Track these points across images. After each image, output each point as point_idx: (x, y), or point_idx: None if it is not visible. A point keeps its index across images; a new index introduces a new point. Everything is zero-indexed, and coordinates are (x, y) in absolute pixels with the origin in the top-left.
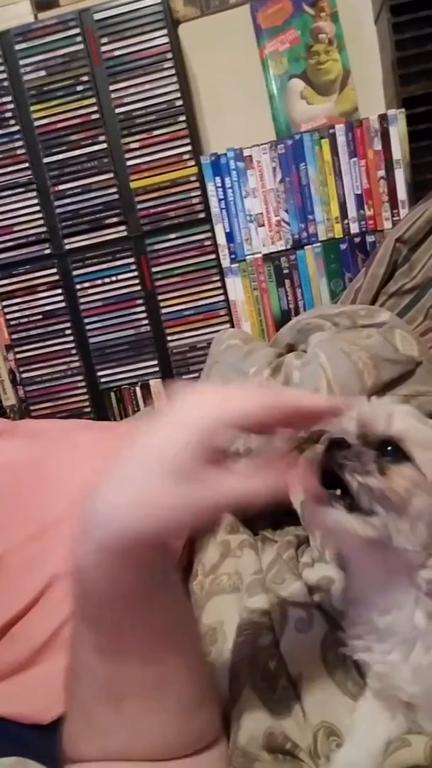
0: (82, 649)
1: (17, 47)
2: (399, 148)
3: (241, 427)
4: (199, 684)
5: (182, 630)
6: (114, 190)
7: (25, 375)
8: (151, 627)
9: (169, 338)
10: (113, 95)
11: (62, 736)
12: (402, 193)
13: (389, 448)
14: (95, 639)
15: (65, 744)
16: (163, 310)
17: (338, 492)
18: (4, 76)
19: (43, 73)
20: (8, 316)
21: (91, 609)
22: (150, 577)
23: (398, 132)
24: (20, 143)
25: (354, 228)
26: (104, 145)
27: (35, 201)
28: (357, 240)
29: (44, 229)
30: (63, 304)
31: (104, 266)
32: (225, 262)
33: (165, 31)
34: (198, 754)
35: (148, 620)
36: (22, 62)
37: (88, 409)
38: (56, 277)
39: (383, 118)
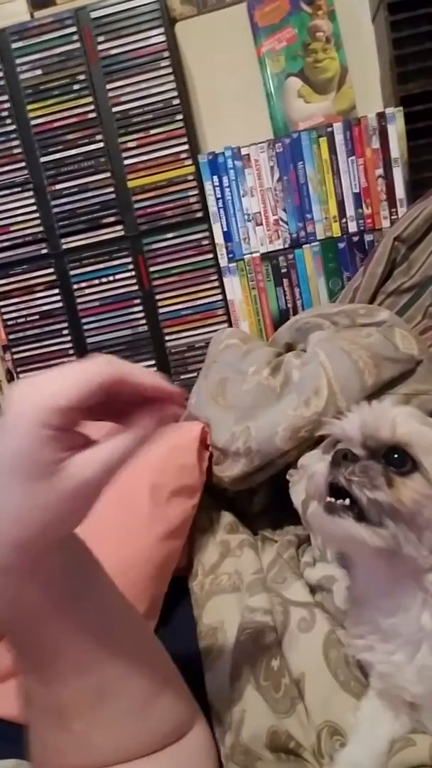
0: (22, 675)
1: (13, 46)
2: (397, 147)
3: (74, 405)
4: (148, 681)
5: (116, 634)
6: (111, 189)
7: (22, 375)
8: (73, 641)
9: (166, 338)
10: (110, 94)
11: (30, 760)
12: (400, 191)
13: (395, 455)
14: (25, 663)
15: (34, 766)
16: (161, 310)
17: (347, 502)
18: (0, 75)
19: (39, 71)
20: (5, 317)
21: (10, 634)
22: (58, 589)
23: (396, 130)
24: (16, 142)
25: (352, 227)
26: (101, 145)
27: (32, 200)
28: (355, 239)
29: (41, 228)
30: (60, 304)
31: (101, 266)
32: (223, 261)
33: (162, 30)
34: (168, 747)
35: (69, 634)
36: (18, 61)
37: None
38: (53, 277)
39: (381, 117)
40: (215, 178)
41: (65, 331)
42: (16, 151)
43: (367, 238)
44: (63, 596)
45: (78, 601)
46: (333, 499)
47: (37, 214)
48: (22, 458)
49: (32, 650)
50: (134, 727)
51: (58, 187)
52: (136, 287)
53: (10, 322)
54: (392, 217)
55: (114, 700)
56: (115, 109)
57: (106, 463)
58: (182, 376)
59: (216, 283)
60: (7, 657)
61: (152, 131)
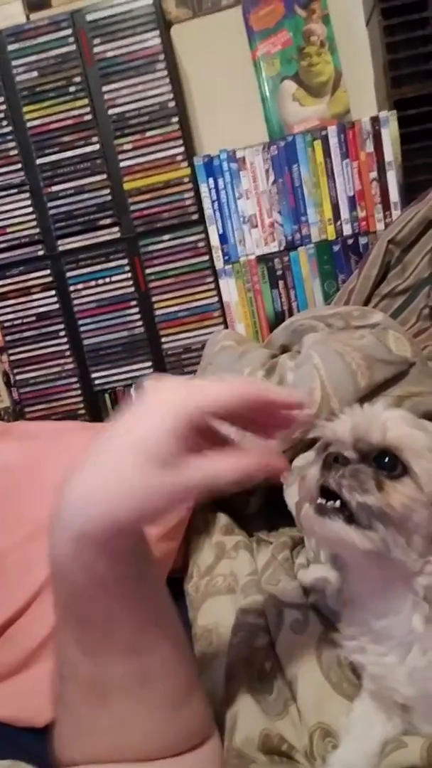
0: (66, 645)
1: (9, 48)
2: (391, 150)
3: (216, 414)
4: (185, 677)
5: (163, 622)
6: (107, 191)
7: (19, 377)
8: (131, 618)
9: (163, 339)
10: (106, 96)
11: (53, 742)
12: (394, 194)
13: (386, 459)
14: (77, 632)
15: (56, 749)
16: (157, 312)
17: (337, 504)
18: None
19: (35, 73)
20: (2, 318)
21: (70, 600)
22: (129, 567)
23: (390, 134)
24: (13, 144)
25: (347, 229)
26: (97, 147)
27: (28, 202)
28: (350, 241)
29: (37, 230)
30: (57, 306)
31: (98, 267)
32: (219, 263)
33: (157, 33)
34: (187, 752)
35: (129, 611)
36: (14, 63)
37: (82, 411)
38: (50, 279)
39: (375, 120)
40: (211, 180)
41: (62, 333)
42: (12, 153)
43: (362, 240)
44: (127, 575)
45: (138, 582)
46: (324, 501)
47: (33, 216)
48: (154, 442)
49: (91, 620)
50: (168, 717)
51: (54, 188)
52: (132, 289)
53: (6, 324)
54: (386, 220)
55: (156, 685)
56: (110, 112)
57: (214, 477)
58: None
59: (212, 285)
60: (2, 658)
61: (148, 134)
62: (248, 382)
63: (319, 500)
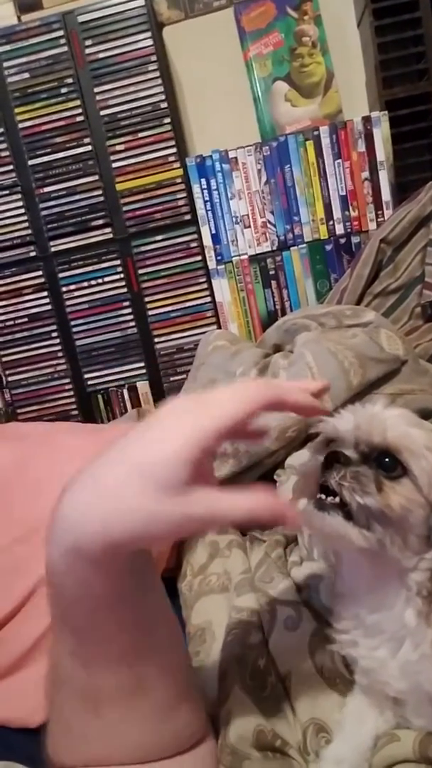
0: (59, 653)
1: (1, 49)
2: (382, 150)
3: (230, 430)
4: (179, 684)
5: (160, 631)
6: (99, 192)
7: (11, 378)
8: (126, 631)
9: (156, 340)
10: (98, 97)
11: (46, 744)
12: (386, 194)
13: (386, 459)
14: (71, 643)
15: (49, 751)
16: (150, 312)
17: (336, 500)
18: None
19: (26, 75)
20: None
21: (64, 611)
22: (124, 582)
23: (381, 134)
24: (4, 145)
25: (339, 229)
26: (89, 148)
27: (20, 203)
28: (342, 241)
29: (29, 231)
30: (49, 307)
31: (90, 268)
32: (211, 263)
33: (149, 34)
34: (182, 753)
35: (123, 624)
36: (5, 64)
37: (75, 412)
38: (42, 280)
39: (367, 120)
40: (203, 180)
41: (54, 334)
42: (3, 154)
43: (354, 240)
44: (123, 591)
45: (135, 596)
46: (323, 496)
47: (25, 217)
48: (164, 470)
49: (84, 633)
50: (161, 724)
51: (46, 189)
52: (125, 289)
53: None
54: (378, 220)
55: (149, 694)
56: (103, 113)
57: (222, 514)
58: (171, 378)
59: (205, 285)
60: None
61: (140, 134)
62: (261, 388)
63: (319, 495)
